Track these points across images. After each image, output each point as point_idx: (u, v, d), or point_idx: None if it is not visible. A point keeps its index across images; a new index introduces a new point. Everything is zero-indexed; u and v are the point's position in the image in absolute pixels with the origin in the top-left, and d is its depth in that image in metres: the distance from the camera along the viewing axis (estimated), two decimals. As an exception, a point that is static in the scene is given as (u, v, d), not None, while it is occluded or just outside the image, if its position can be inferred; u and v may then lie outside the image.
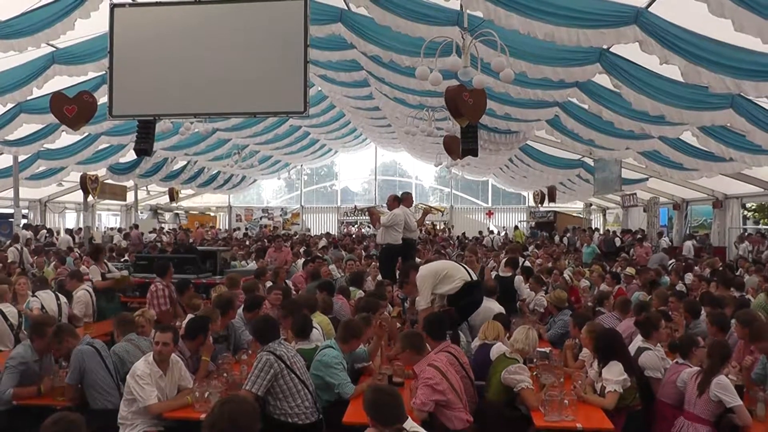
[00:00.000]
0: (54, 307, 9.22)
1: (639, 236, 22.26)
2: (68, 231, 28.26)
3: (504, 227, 37.53)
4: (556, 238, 28.50)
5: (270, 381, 5.54)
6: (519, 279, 10.44)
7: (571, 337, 7.41)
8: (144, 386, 5.42)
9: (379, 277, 11.56)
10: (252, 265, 14.97)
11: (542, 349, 6.94)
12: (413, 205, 12.26)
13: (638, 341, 6.73)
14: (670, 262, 16.42)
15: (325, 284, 9.43)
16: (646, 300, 9.36)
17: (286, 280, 11.89)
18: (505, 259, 11.19)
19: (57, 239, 24.90)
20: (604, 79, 11.44)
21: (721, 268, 13.91)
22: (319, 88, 21.23)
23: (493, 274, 10.82)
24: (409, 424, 4.25)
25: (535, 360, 6.55)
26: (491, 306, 8.38)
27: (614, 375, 5.74)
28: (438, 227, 38.11)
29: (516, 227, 35.84)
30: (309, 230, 38.90)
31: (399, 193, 12.10)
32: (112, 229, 31.67)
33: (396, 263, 11.47)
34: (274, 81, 10.36)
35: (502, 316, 7.68)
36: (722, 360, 5.64)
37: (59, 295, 9.60)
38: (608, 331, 6.36)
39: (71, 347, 6.06)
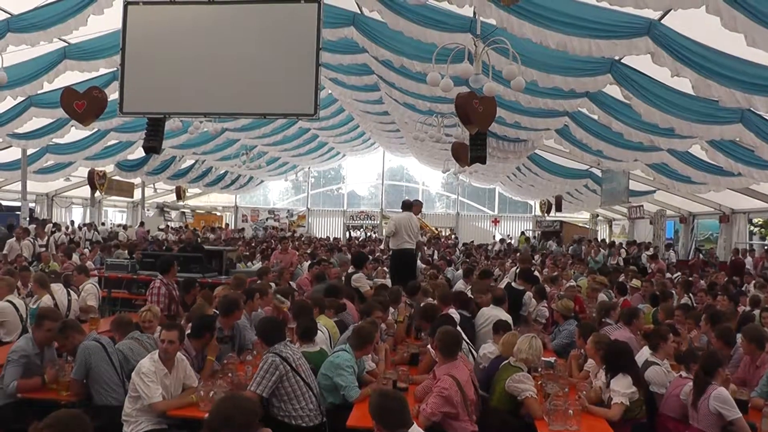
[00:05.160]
0: (64, 301, 9.27)
1: (651, 252, 22.11)
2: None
3: (509, 235, 37.51)
4: (549, 245, 28.42)
5: (275, 383, 5.55)
6: (529, 295, 10.40)
7: (576, 347, 7.40)
8: (149, 384, 5.42)
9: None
10: (257, 266, 14.99)
11: (547, 359, 6.93)
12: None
13: (646, 354, 6.72)
14: (676, 275, 16.39)
15: (332, 288, 9.44)
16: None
17: (291, 282, 11.94)
18: (518, 271, 11.18)
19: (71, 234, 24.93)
20: (614, 90, 11.45)
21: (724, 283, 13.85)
22: (329, 91, 21.27)
23: (504, 282, 10.81)
24: (415, 429, 4.25)
25: (539, 369, 6.53)
26: (498, 314, 8.38)
27: (622, 387, 5.73)
28: (443, 233, 38.13)
29: (522, 233, 35.85)
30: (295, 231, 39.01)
31: (411, 200, 12.29)
32: (118, 225, 31.72)
33: (405, 269, 11.54)
34: (285, 83, 10.37)
35: (503, 323, 7.65)
36: (708, 371, 5.62)
37: (69, 290, 9.64)
38: (617, 343, 6.33)
39: (77, 343, 6.07)
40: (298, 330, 6.86)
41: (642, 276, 14.57)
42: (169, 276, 9.63)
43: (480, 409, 6.01)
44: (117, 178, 26.78)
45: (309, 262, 15.22)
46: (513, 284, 10.36)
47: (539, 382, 6.15)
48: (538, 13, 8.92)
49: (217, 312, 7.50)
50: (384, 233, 11.64)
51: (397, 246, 11.78)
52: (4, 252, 16.00)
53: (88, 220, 28.62)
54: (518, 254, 20.40)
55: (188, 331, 6.50)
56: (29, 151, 19.51)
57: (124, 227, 29.91)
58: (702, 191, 17.91)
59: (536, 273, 12.90)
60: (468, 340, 7.55)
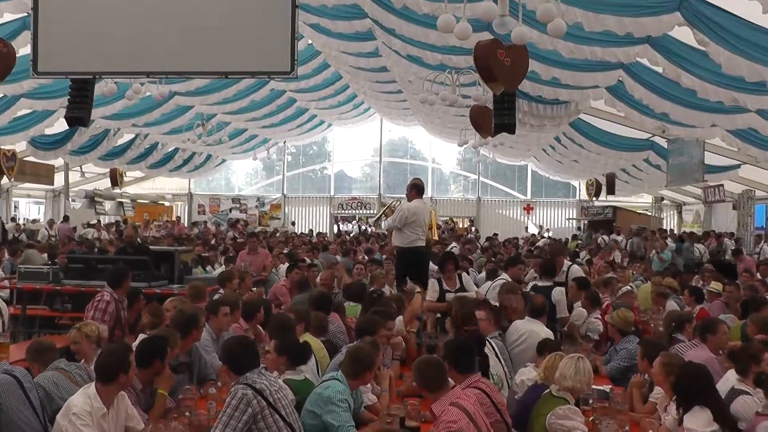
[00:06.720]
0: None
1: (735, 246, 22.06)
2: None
3: (543, 226, 37.55)
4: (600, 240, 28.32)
5: (247, 423, 5.50)
6: (559, 291, 10.38)
7: (639, 371, 7.40)
8: (82, 428, 5.36)
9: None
10: (219, 270, 14.97)
11: (600, 387, 6.93)
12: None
13: (732, 380, 6.69)
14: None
15: (320, 297, 9.38)
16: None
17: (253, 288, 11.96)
18: (540, 266, 11.26)
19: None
20: (685, 34, 11.40)
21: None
22: (310, 41, 21.26)
23: (531, 284, 10.84)
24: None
25: (591, 401, 6.52)
26: (536, 329, 8.33)
27: (700, 425, 5.67)
28: (460, 225, 38.16)
29: (575, 236, 35.75)
30: (294, 224, 39.15)
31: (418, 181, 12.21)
32: (34, 221, 31.64)
33: (415, 272, 11.55)
34: (252, 31, 10.33)
35: (551, 343, 7.65)
36: None
37: None
38: (693, 366, 6.30)
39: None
40: (282, 351, 6.85)
41: (725, 277, 14.50)
42: (120, 291, 9.53)
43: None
44: (31, 159, 26.71)
45: (287, 264, 15.20)
46: (539, 283, 10.41)
47: (591, 418, 6.15)
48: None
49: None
50: (386, 225, 11.51)
51: (406, 243, 11.63)
52: None
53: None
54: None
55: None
56: None
57: (50, 223, 29.75)
58: (802, 165, 17.98)
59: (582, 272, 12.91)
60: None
